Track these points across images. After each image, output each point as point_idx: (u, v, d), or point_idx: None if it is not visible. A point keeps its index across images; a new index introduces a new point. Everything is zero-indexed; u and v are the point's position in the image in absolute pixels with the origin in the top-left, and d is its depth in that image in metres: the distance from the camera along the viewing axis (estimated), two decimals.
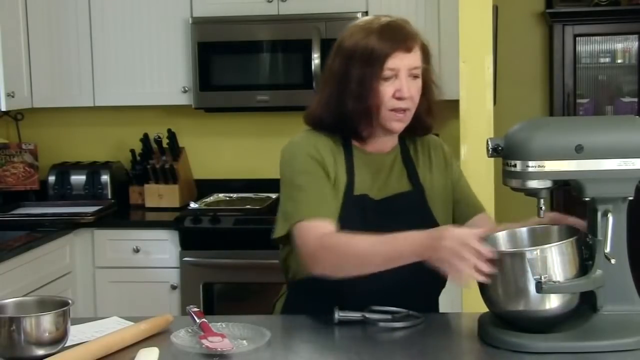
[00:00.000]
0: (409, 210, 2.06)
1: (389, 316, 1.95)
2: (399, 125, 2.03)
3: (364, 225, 1.96)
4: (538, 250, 1.73)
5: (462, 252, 1.72)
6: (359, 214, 2.02)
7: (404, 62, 1.98)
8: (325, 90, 2.07)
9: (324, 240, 1.91)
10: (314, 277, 1.95)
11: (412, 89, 2.00)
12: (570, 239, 1.78)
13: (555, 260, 1.73)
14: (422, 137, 2.17)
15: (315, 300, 2.00)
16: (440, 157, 2.17)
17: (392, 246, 1.84)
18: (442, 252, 1.75)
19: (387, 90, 1.98)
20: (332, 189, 2.02)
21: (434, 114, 2.10)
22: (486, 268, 1.73)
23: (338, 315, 1.95)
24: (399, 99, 1.99)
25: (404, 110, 2.01)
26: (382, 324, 1.93)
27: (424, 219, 2.05)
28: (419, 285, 1.97)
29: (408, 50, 1.99)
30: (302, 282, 2.07)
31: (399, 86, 1.98)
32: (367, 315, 1.95)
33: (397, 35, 1.99)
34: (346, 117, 2.02)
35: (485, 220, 2.14)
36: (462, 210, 2.15)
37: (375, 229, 1.90)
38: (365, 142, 2.07)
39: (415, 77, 2.01)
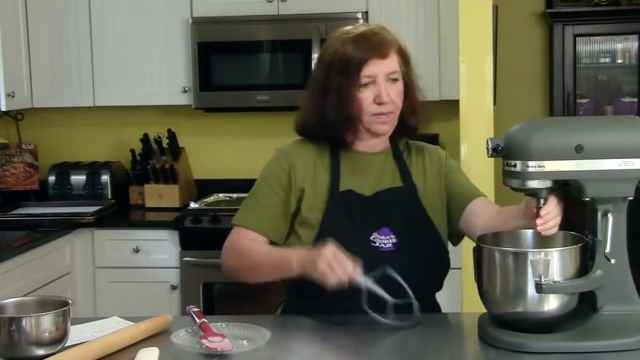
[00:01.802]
0: (400, 205, 2.10)
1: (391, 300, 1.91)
2: (383, 127, 2.09)
3: (350, 219, 2.04)
4: (542, 253, 1.72)
5: (333, 267, 1.85)
6: (344, 209, 2.06)
7: (380, 68, 2.04)
8: (309, 100, 2.14)
9: (235, 244, 2.09)
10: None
11: (392, 93, 2.06)
12: (576, 246, 1.78)
13: (556, 265, 1.73)
14: (418, 144, 2.21)
15: (314, 303, 2.00)
16: (435, 162, 2.19)
17: (282, 257, 1.99)
18: (318, 266, 1.87)
19: (366, 96, 2.04)
20: (287, 207, 2.10)
21: (418, 114, 2.14)
22: (344, 279, 1.86)
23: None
24: (380, 104, 2.04)
25: (386, 114, 2.06)
26: (382, 323, 1.93)
27: (414, 214, 2.09)
28: (413, 283, 1.97)
29: (383, 56, 2.04)
30: (299, 284, 2.05)
31: (377, 92, 2.04)
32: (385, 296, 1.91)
33: (372, 43, 2.05)
34: (328, 126, 2.09)
35: (482, 204, 2.13)
36: (459, 200, 2.14)
37: (363, 223, 2.01)
38: (351, 145, 2.12)
39: (395, 80, 2.06)
